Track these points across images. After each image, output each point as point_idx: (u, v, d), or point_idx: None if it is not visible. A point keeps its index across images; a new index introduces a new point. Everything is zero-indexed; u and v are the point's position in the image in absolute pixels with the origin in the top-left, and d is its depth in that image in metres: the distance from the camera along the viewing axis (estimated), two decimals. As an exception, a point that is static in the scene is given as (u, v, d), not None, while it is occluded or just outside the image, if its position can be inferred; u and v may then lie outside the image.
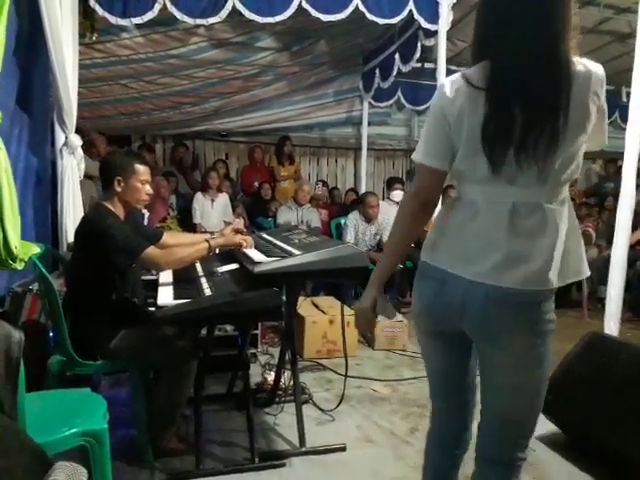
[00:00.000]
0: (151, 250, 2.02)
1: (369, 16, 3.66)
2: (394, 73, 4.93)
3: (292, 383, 2.36)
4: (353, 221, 5.05)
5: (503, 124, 1.12)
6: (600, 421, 2.17)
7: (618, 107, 5.97)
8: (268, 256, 2.02)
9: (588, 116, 1.13)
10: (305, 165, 6.96)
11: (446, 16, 3.78)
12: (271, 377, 2.73)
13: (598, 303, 4.83)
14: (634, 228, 4.86)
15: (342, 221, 5.24)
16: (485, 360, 1.28)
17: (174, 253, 2.11)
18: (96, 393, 1.76)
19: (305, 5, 3.55)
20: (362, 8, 3.64)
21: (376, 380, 3.09)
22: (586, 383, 2.30)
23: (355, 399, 2.81)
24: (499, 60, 1.14)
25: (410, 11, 3.71)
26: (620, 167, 3.24)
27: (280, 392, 2.63)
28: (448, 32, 3.89)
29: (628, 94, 2.83)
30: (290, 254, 2.02)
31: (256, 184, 5.79)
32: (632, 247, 4.71)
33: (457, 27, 4.21)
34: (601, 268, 4.74)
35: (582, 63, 1.13)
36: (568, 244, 1.17)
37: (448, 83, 1.22)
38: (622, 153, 2.74)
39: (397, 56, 4.76)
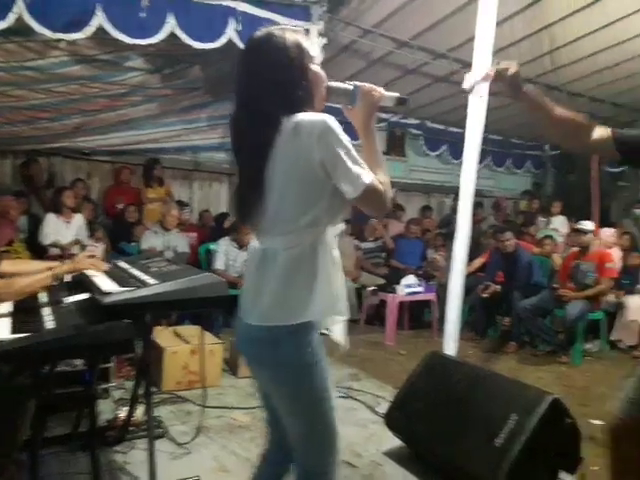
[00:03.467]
0: None
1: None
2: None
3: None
4: (223, 247, 5.01)
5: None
6: (438, 435, 2.39)
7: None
8: (121, 286, 1.95)
9: (298, 170, 1.23)
10: (176, 188, 6.78)
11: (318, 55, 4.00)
12: (124, 413, 2.59)
13: (447, 324, 5.35)
14: (477, 256, 5.55)
15: (212, 247, 5.18)
16: None
17: (14, 284, 1.96)
18: None
19: (177, 31, 3.53)
20: (237, 41, 3.71)
21: (237, 409, 3.07)
22: (426, 399, 2.54)
23: (213, 430, 2.77)
24: None
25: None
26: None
27: (133, 428, 2.51)
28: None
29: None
30: (144, 284, 1.95)
31: (120, 206, 5.51)
32: (474, 273, 5.34)
33: (328, 65, 4.47)
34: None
35: (294, 120, 1.22)
36: (293, 286, 1.25)
37: None
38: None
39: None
